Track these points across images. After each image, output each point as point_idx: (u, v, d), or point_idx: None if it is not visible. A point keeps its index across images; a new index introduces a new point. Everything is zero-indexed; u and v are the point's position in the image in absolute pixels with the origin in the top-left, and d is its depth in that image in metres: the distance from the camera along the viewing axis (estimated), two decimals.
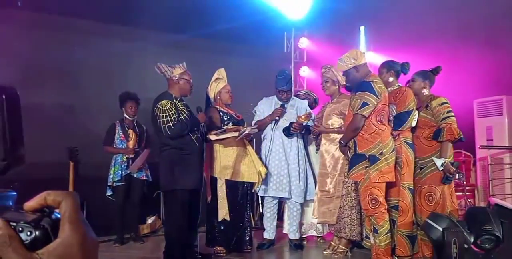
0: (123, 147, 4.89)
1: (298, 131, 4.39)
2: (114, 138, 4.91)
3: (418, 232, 3.75)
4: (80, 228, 0.47)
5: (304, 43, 7.73)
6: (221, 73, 4.39)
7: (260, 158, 4.40)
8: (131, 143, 4.90)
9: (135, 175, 4.87)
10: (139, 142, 4.96)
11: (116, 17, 5.92)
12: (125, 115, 4.97)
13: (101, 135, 4.99)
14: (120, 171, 4.79)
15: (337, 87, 4.42)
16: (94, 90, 5.64)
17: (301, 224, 4.67)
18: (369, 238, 3.63)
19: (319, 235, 4.80)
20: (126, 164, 4.82)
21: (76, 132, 5.25)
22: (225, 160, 4.15)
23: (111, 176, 4.80)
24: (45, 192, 0.49)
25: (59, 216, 0.48)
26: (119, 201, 4.81)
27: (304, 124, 4.37)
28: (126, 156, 4.84)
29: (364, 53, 3.77)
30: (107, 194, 4.82)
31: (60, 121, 5.32)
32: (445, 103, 3.75)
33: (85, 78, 5.69)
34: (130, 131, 4.94)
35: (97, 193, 4.93)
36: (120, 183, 4.79)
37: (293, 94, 4.84)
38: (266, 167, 4.35)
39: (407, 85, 3.94)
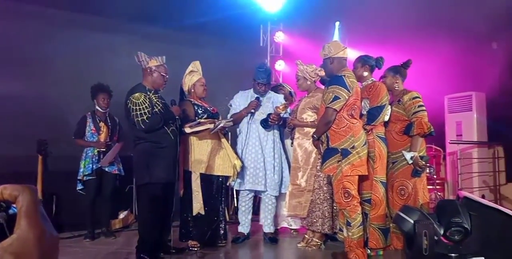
0: (95, 140, 4.77)
1: (276, 122, 4.38)
2: (85, 131, 4.79)
3: (390, 225, 3.82)
4: (37, 223, 0.44)
5: (280, 37, 7.73)
6: (196, 65, 4.32)
7: (236, 152, 4.38)
8: (102, 136, 4.79)
9: (106, 169, 4.76)
10: (111, 135, 4.86)
11: (88, 8, 5.77)
12: (97, 108, 4.85)
13: (71, 127, 4.86)
14: (90, 165, 4.68)
15: (310, 82, 4.42)
16: (65, 81, 5.49)
17: (275, 216, 4.69)
18: (342, 231, 3.68)
19: (290, 227, 4.87)
20: (97, 157, 4.71)
21: (45, 124, 5.10)
22: (199, 154, 4.11)
23: (81, 170, 4.69)
24: (1, 186, 0.46)
25: (16, 210, 0.45)
26: (90, 196, 4.70)
27: (282, 115, 4.37)
28: (97, 149, 4.73)
29: (346, 47, 3.71)
30: (77, 188, 4.71)
31: (29, 113, 5.15)
32: (416, 97, 3.80)
33: (56, 69, 5.53)
34: (102, 124, 4.83)
35: (67, 187, 4.81)
36: (91, 177, 4.68)
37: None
38: (242, 161, 4.34)
39: (381, 81, 3.98)
